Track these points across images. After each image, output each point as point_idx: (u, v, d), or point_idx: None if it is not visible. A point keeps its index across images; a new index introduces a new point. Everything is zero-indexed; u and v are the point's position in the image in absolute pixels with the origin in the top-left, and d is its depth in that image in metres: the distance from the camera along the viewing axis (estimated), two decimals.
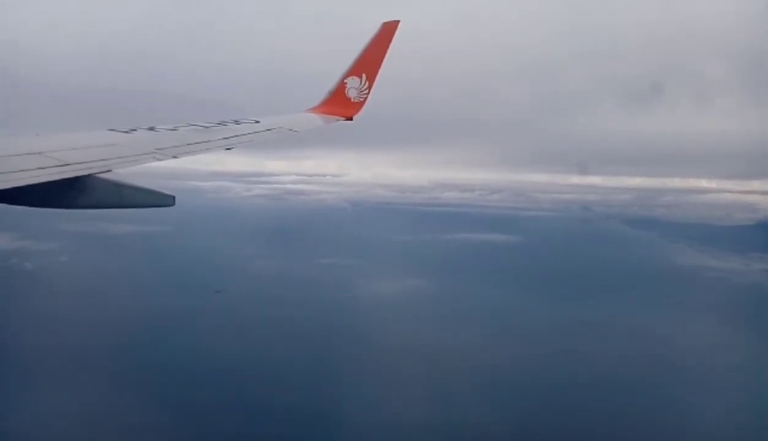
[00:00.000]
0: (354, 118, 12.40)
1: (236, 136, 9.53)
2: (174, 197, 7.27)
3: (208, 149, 8.77)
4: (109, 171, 6.71)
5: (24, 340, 60.72)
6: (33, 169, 5.96)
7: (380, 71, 12.30)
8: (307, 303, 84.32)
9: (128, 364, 58.61)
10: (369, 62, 12.31)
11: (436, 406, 53.94)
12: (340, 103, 12.32)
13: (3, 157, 5.95)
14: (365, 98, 12.41)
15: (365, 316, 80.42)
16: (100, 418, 48.18)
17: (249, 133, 9.92)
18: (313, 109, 12.40)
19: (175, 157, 8.15)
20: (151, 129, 8.82)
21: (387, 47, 12.25)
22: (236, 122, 10.23)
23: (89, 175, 6.43)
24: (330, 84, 12.50)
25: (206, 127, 9.56)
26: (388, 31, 12.22)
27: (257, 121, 10.51)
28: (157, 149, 7.98)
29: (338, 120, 12.22)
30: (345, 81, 12.37)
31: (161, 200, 7.18)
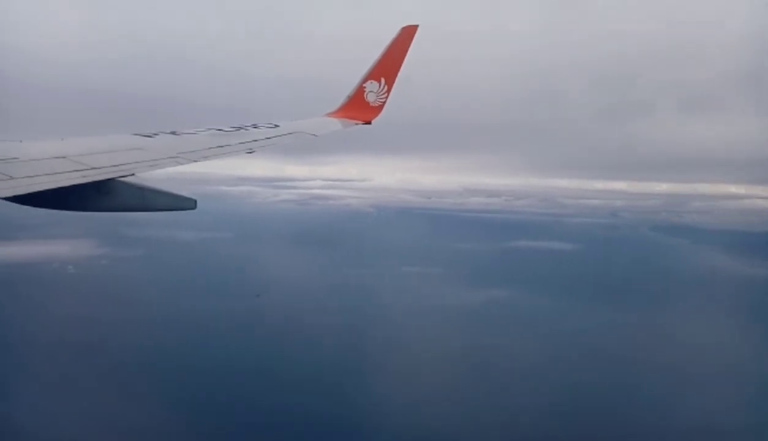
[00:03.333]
0: (373, 122, 12.51)
1: (256, 140, 9.71)
2: (195, 201, 7.41)
3: (228, 153, 8.96)
4: (133, 174, 6.92)
5: (55, 340, 61.94)
6: (59, 173, 6.20)
7: (399, 75, 12.40)
8: (413, 313, 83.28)
9: (191, 367, 57.92)
10: (388, 66, 12.40)
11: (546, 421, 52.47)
12: (358, 108, 12.43)
13: (30, 162, 6.21)
14: (384, 102, 12.49)
15: (468, 328, 79.12)
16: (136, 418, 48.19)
17: (269, 138, 10.09)
18: (332, 114, 12.54)
19: (196, 161, 8.36)
20: (174, 133, 9.04)
21: (406, 51, 12.32)
22: (256, 127, 10.42)
23: (113, 179, 6.64)
24: (349, 89, 12.66)
25: (227, 132, 9.76)
26: (407, 35, 12.30)
27: (276, 126, 10.69)
28: (179, 153, 8.19)
29: (357, 124, 12.33)
30: (364, 85, 12.47)
31: (183, 204, 7.32)
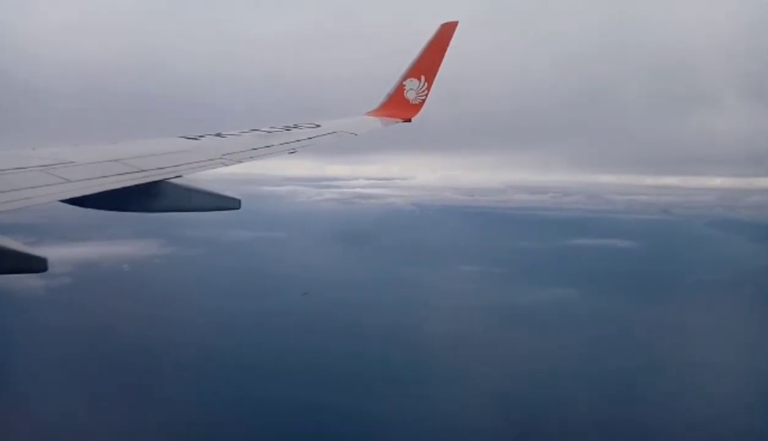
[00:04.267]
0: (413, 120, 12.52)
1: (298, 140, 9.89)
2: (240, 201, 7.59)
3: (271, 154, 9.16)
4: (180, 176, 7.17)
5: (111, 336, 63.90)
6: (113, 175, 6.49)
7: (439, 72, 12.37)
8: (480, 312, 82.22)
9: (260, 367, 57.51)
10: (427, 63, 12.38)
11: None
12: (398, 105, 12.46)
13: (85, 165, 6.52)
14: (424, 100, 12.49)
15: (537, 328, 77.58)
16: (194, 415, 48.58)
17: (310, 138, 10.26)
18: (373, 112, 12.61)
19: (240, 161, 8.59)
20: (218, 135, 9.31)
21: (445, 48, 12.28)
22: (297, 127, 10.60)
23: (162, 181, 6.90)
24: (389, 87, 12.71)
25: (269, 133, 9.98)
26: (446, 31, 12.25)
27: (317, 125, 10.84)
28: (224, 155, 8.44)
29: (397, 122, 12.37)
30: (403, 83, 12.49)
31: (228, 204, 7.51)
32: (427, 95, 12.48)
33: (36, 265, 4.98)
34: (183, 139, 8.74)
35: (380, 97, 12.86)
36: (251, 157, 8.73)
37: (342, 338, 67.84)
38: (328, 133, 10.67)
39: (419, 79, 12.41)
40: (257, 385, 53.74)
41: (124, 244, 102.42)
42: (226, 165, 8.20)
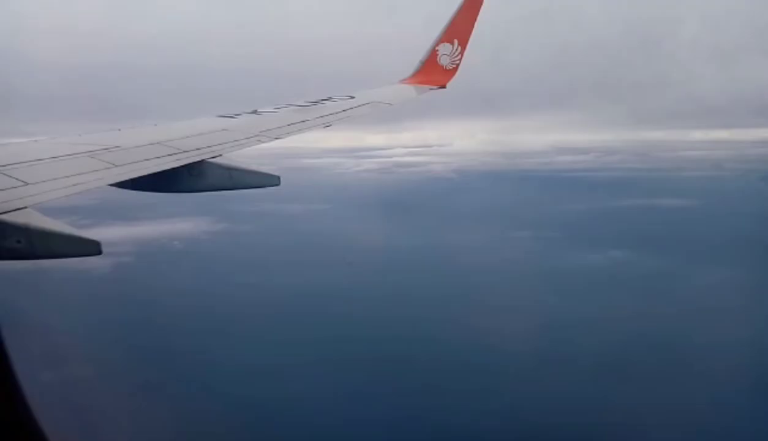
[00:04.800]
0: (447, 85, 12.35)
1: (333, 113, 9.95)
2: (279, 177, 7.74)
3: (307, 128, 9.27)
4: (220, 155, 7.35)
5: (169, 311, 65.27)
6: (156, 158, 6.73)
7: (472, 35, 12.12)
8: (541, 277, 79.83)
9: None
10: (460, 27, 12.12)
11: None
12: (432, 72, 12.29)
13: (130, 149, 6.77)
14: (458, 65, 12.28)
15: (601, 292, 74.38)
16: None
17: (345, 110, 10.30)
18: (406, 80, 12.49)
19: (278, 138, 8.73)
20: (254, 112, 9.46)
21: (478, 10, 11.98)
22: (332, 100, 10.65)
23: (203, 161, 7.09)
24: (421, 53, 12.53)
25: (304, 107, 10.07)
26: None
27: (352, 97, 10.86)
28: (261, 131, 8.60)
29: (431, 89, 12.23)
30: (436, 48, 12.28)
31: (268, 180, 7.66)
32: (460, 60, 12.26)
33: (90, 248, 5.15)
34: (220, 118, 8.93)
35: (413, 64, 12.71)
36: (288, 133, 8.87)
37: (416, 306, 66.91)
38: (363, 104, 10.68)
39: (452, 44, 12.19)
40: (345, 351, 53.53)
41: (176, 222, 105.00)
42: (264, 142, 8.36)
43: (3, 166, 5.47)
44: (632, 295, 72.56)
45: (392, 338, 56.10)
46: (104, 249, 5.23)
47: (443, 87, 12.31)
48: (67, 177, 5.64)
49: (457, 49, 12.17)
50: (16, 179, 5.27)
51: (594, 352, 54.30)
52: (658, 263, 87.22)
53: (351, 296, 69.42)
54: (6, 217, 4.63)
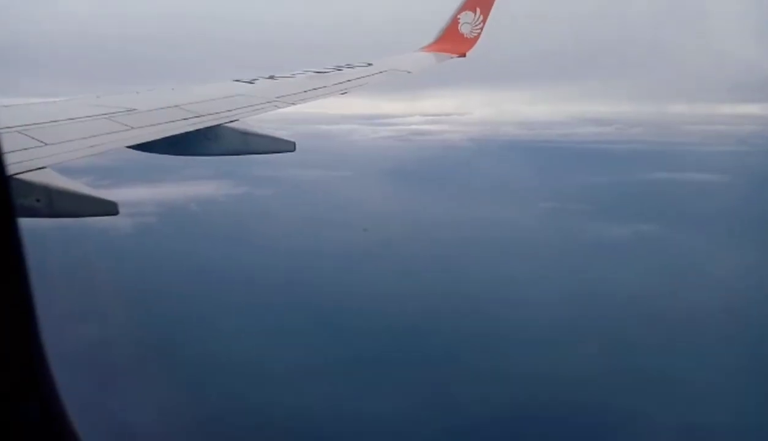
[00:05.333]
0: (467, 54, 12.14)
1: (350, 80, 9.86)
2: (294, 143, 7.74)
3: (324, 95, 9.22)
4: (237, 120, 7.36)
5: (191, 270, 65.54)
6: (174, 121, 6.76)
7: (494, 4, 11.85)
8: (571, 250, 78.84)
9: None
10: None
11: None
12: (453, 40, 12.07)
13: (148, 112, 6.80)
14: (479, 33, 12.05)
15: (630, 266, 73.21)
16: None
17: (363, 77, 10.20)
18: (427, 48, 12.29)
19: (294, 103, 8.70)
20: (271, 78, 9.41)
21: None
22: (350, 66, 10.53)
23: (219, 125, 7.12)
24: (443, 21, 12.30)
25: (322, 73, 9.99)
26: None
27: (370, 64, 10.73)
28: (278, 97, 8.57)
29: (451, 57, 12.03)
30: (458, 16, 12.05)
31: (283, 146, 7.67)
32: (482, 29, 12.02)
33: (107, 208, 5.25)
34: (237, 82, 8.91)
35: (434, 32, 12.49)
36: (305, 99, 8.84)
37: (452, 279, 65.76)
38: (381, 72, 10.56)
39: (474, 12, 11.94)
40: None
41: (195, 184, 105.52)
42: (281, 107, 8.34)
43: (23, 126, 5.54)
44: (668, 270, 71.44)
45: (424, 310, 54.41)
46: (126, 209, 5.30)
47: (463, 56, 12.11)
48: (85, 138, 5.70)
49: (478, 18, 11.93)
50: (36, 139, 5.34)
51: (646, 329, 52.76)
52: (689, 239, 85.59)
53: (378, 267, 68.84)
54: (26, 177, 4.72)
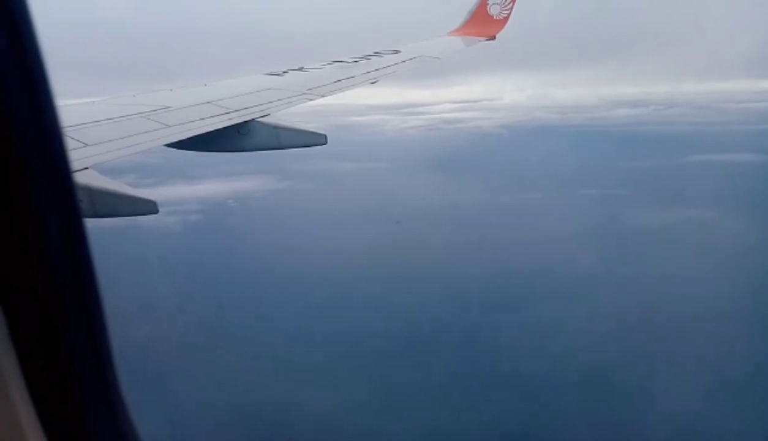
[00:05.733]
0: (497, 36, 11.90)
1: (378, 69, 9.80)
2: (326, 136, 7.73)
3: (353, 85, 9.19)
4: (268, 115, 7.40)
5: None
6: (206, 118, 6.84)
7: None
8: (618, 237, 76.98)
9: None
10: None
11: None
12: (482, 22, 11.83)
13: (181, 109, 6.90)
14: (508, 15, 11.78)
15: (679, 252, 71.19)
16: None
17: (391, 65, 10.12)
18: (455, 32, 12.10)
19: (324, 95, 8.70)
20: (301, 69, 9.42)
21: None
22: (378, 54, 10.46)
23: (251, 120, 7.16)
24: (470, 3, 12.06)
25: (350, 63, 9.95)
26: None
27: (397, 52, 10.63)
28: (309, 89, 8.58)
29: (480, 41, 11.81)
30: None
31: (314, 140, 7.68)
32: (512, 9, 11.75)
33: (148, 207, 5.34)
34: (268, 76, 8.95)
35: (462, 14, 12.28)
36: (335, 90, 8.83)
37: (494, 272, 63.97)
38: (410, 59, 10.46)
39: None
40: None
41: (235, 181, 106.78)
42: (311, 99, 8.35)
43: (65, 128, 5.68)
44: (722, 255, 68.32)
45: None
46: (170, 207, 5.36)
47: (493, 38, 11.86)
48: (123, 138, 5.82)
49: None
50: (77, 140, 5.48)
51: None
52: (738, 224, 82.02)
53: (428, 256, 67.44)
54: None
